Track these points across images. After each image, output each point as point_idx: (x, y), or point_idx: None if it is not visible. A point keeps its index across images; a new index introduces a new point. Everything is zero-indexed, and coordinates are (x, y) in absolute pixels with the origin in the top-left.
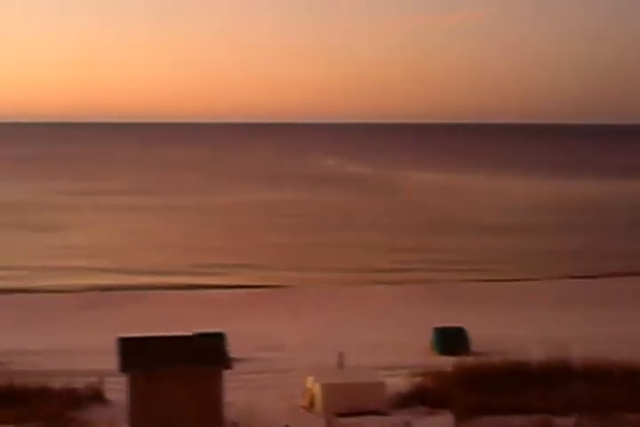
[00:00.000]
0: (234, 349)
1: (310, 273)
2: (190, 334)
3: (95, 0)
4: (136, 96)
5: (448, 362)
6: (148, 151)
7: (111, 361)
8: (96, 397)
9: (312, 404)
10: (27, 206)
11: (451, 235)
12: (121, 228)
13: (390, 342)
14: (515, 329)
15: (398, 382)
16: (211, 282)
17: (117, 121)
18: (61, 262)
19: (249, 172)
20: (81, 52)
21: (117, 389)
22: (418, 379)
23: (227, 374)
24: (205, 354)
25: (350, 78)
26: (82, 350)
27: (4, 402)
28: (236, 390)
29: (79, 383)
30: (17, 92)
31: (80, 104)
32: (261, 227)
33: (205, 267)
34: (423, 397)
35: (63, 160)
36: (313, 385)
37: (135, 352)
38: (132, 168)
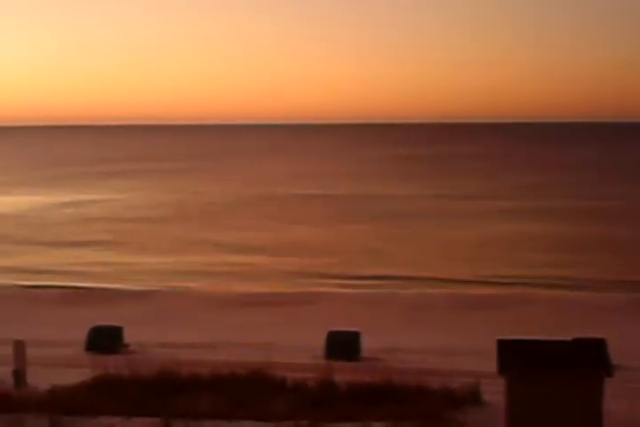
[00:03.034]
0: (614, 355)
1: None
2: (570, 339)
3: None
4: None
5: None
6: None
7: (489, 363)
8: (472, 398)
9: None
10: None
11: None
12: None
13: None
14: None
15: None
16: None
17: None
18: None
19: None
20: None
21: (493, 391)
22: None
23: (607, 381)
24: (586, 359)
25: None
26: (462, 351)
27: (382, 399)
28: (616, 399)
29: (456, 384)
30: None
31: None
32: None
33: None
34: None
35: (452, 160)
36: None
37: (514, 355)
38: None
